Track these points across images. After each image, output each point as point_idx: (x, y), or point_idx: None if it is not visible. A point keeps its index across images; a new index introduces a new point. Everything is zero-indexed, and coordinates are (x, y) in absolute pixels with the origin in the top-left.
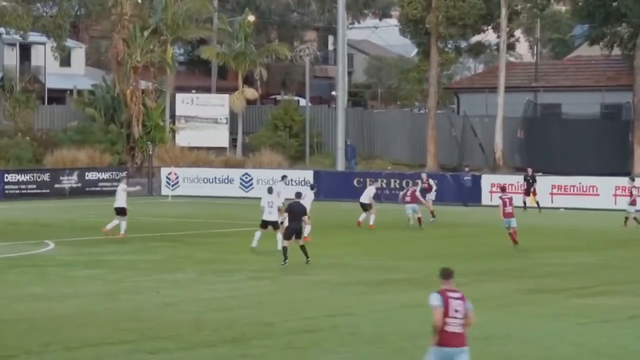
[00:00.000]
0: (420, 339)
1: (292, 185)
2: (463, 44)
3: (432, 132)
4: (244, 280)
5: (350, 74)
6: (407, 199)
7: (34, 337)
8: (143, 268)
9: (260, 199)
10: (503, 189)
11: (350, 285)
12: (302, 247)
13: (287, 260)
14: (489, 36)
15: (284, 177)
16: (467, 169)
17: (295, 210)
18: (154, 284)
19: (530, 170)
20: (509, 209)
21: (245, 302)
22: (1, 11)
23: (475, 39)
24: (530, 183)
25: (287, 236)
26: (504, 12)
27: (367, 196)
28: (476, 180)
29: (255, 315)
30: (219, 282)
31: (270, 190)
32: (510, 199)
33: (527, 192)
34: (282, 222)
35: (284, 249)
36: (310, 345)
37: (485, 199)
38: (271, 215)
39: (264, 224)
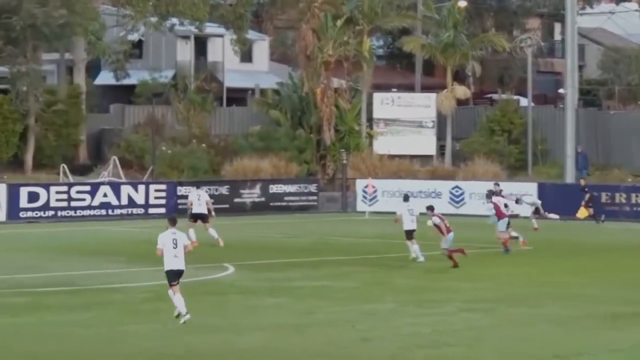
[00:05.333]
0: None
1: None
2: None
3: None
4: (453, 313)
5: (581, 68)
6: None
7: None
8: (336, 297)
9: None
10: None
11: (579, 320)
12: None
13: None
14: None
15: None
16: None
17: None
18: (349, 315)
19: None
20: None
21: (455, 339)
22: None
23: None
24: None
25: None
26: None
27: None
28: None
29: (467, 354)
30: (423, 315)
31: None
32: None
33: None
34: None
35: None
36: None
37: None
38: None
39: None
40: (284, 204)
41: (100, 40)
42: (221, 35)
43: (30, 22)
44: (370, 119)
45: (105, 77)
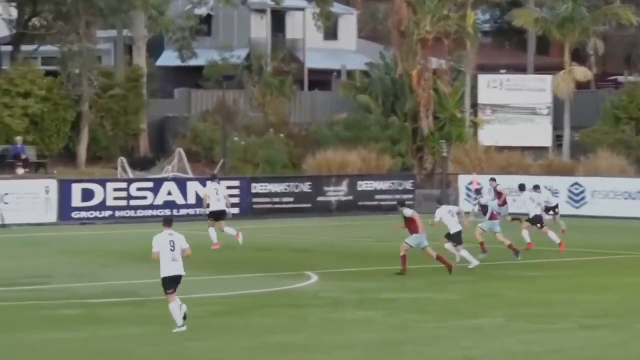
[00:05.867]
0: None
1: None
2: None
3: None
4: (571, 330)
5: None
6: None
7: None
8: (434, 310)
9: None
10: None
11: None
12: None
13: None
14: None
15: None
16: None
17: None
18: (450, 332)
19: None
20: None
21: (572, 359)
22: None
23: None
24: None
25: None
26: None
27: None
28: None
29: None
30: (535, 331)
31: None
32: None
33: None
34: None
35: None
36: None
37: None
38: None
39: None
40: (375, 203)
41: (163, 15)
42: (302, 9)
43: None
44: (474, 105)
45: (169, 58)
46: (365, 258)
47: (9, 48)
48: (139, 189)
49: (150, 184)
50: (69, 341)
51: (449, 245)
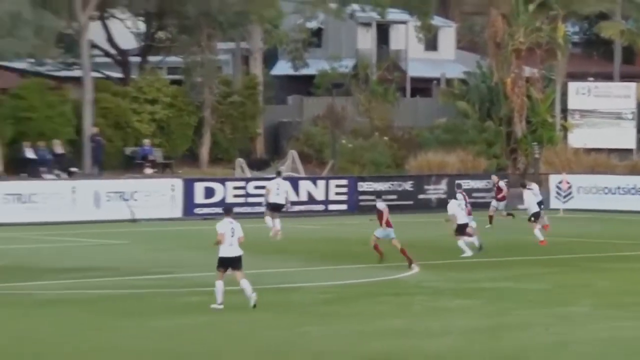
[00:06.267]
0: None
1: None
2: None
3: None
4: None
5: None
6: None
7: None
8: (526, 299)
9: None
10: None
11: None
12: None
13: None
14: None
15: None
16: None
17: None
18: (541, 319)
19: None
20: None
21: None
22: None
23: None
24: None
25: None
26: None
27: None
28: None
29: None
30: (624, 319)
31: None
32: None
33: None
34: None
35: None
36: None
37: None
38: None
39: None
40: (472, 200)
41: (277, 28)
42: (404, 22)
43: (205, 9)
44: (564, 110)
45: (283, 67)
46: (461, 250)
47: (138, 59)
48: (256, 187)
49: (266, 183)
50: (196, 326)
51: (461, 242)
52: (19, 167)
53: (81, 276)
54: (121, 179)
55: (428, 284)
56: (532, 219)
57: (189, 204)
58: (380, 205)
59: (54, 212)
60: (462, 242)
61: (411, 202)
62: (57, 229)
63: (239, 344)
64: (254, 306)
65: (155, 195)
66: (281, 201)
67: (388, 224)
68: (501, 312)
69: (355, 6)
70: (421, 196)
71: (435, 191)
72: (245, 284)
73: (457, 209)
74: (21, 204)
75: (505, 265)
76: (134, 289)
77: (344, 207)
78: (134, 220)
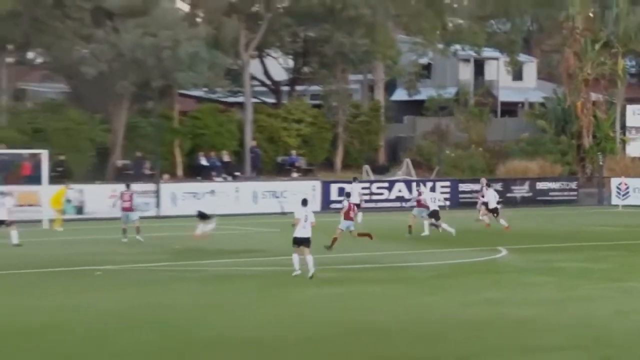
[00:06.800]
0: None
1: None
2: None
3: None
4: None
5: None
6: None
7: (491, 340)
8: (594, 277)
9: None
10: None
11: None
12: None
13: None
14: None
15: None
16: None
17: None
18: (606, 292)
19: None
20: None
21: None
22: (458, 29)
23: None
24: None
25: None
26: None
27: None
28: None
29: None
30: None
31: None
32: None
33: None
34: None
35: None
36: None
37: None
38: None
39: None
40: (549, 198)
41: (396, 63)
42: (496, 58)
43: (340, 49)
44: (623, 127)
45: (400, 94)
46: (542, 238)
47: (287, 88)
48: (378, 187)
49: (386, 184)
50: (329, 296)
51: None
52: (195, 172)
53: (242, 256)
54: (274, 181)
55: (515, 264)
56: (495, 214)
57: (325, 201)
58: (345, 203)
59: (222, 207)
60: (445, 225)
61: (501, 199)
62: (224, 220)
63: (373, 313)
64: (311, 277)
65: (300, 194)
66: (357, 201)
67: (348, 217)
68: (573, 287)
69: (457, 46)
70: (509, 195)
71: (519, 190)
72: (309, 260)
73: (429, 199)
74: (197, 200)
75: (577, 249)
76: (281, 266)
77: (448, 203)
78: (283, 213)
